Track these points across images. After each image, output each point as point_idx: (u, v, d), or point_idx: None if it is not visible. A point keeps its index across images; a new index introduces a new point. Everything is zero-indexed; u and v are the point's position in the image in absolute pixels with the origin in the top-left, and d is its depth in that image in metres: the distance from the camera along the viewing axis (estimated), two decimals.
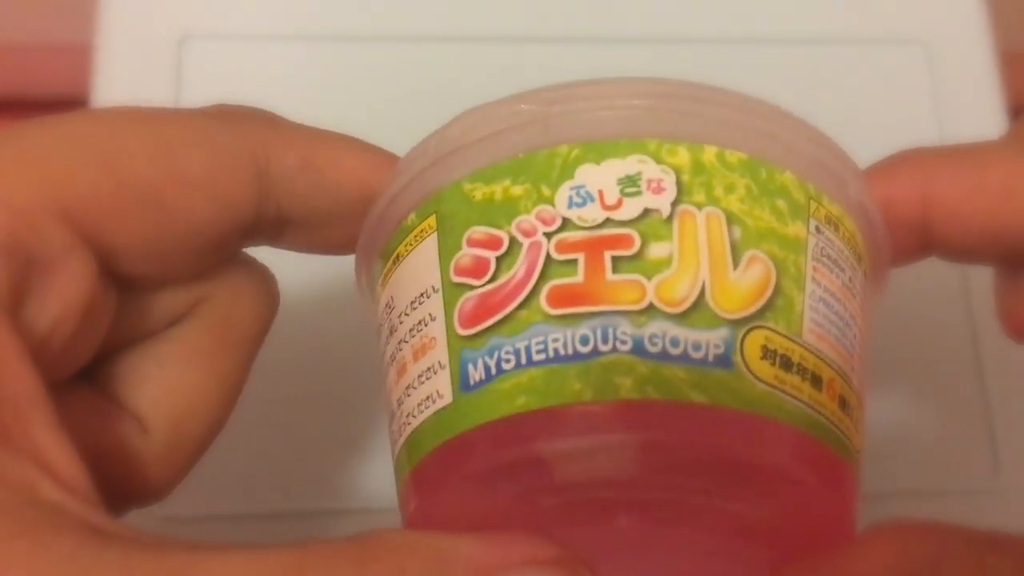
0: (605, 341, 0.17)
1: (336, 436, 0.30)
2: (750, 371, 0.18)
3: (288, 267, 0.23)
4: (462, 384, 0.18)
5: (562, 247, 0.18)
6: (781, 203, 0.19)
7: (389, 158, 0.22)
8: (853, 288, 0.20)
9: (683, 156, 0.19)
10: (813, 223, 0.19)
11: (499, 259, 0.19)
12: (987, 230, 0.20)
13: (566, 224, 0.18)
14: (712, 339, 0.18)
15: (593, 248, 0.18)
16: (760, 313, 0.18)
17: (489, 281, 0.19)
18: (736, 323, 0.18)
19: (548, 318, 0.18)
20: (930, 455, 0.32)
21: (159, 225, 0.19)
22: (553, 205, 0.19)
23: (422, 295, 0.20)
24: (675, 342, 0.17)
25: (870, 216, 0.21)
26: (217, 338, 0.21)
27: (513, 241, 0.19)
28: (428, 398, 0.19)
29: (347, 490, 0.30)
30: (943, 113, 0.36)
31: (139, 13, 0.35)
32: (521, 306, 0.18)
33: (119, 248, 0.19)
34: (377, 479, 0.30)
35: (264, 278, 0.22)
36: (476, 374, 0.18)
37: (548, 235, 0.18)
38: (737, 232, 0.18)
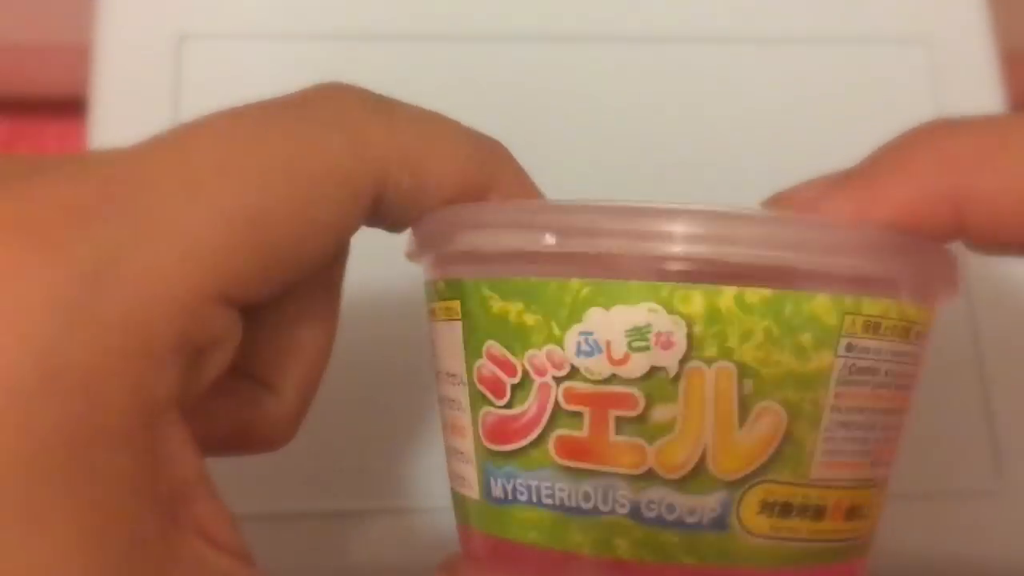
0: (605, 502, 0.19)
1: (358, 435, 0.32)
2: (744, 529, 0.19)
3: None
4: (485, 492, 0.21)
5: (569, 397, 0.19)
6: (806, 337, 0.19)
7: (493, 180, 0.22)
8: (892, 374, 0.20)
9: (697, 304, 0.19)
10: (844, 342, 0.19)
11: (514, 387, 0.20)
12: None
13: (574, 372, 0.19)
14: (708, 503, 0.19)
15: (598, 404, 0.19)
16: (763, 468, 0.19)
17: (506, 406, 0.20)
18: (735, 484, 0.19)
19: (556, 466, 0.20)
20: (931, 456, 0.33)
21: (289, 272, 0.20)
22: (563, 348, 0.19)
23: (454, 377, 0.21)
24: (671, 509, 0.19)
25: (928, 269, 0.20)
26: (322, 291, 0.23)
27: (526, 374, 0.20)
28: (463, 479, 0.22)
29: (369, 489, 0.32)
30: (944, 113, 0.34)
31: (138, 13, 0.35)
32: (533, 445, 0.20)
33: (256, 299, 0.20)
34: (403, 478, 0.32)
35: None
36: (497, 490, 0.21)
37: (557, 380, 0.20)
38: (749, 386, 0.19)
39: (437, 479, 0.32)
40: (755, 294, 0.19)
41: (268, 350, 0.22)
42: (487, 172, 0.22)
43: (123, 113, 0.34)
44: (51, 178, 0.18)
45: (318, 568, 0.31)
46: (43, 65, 0.50)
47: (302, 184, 0.19)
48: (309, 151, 0.20)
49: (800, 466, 0.19)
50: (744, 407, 0.19)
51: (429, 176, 0.21)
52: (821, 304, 0.19)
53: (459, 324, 0.21)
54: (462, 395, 0.21)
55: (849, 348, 0.19)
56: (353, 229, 0.21)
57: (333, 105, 0.21)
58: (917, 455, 0.32)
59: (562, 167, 0.32)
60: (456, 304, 0.21)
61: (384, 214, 0.22)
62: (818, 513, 0.20)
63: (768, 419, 0.19)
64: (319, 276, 0.23)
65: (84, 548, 0.17)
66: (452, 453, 0.22)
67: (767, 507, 0.19)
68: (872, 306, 0.19)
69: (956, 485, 0.33)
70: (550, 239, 0.19)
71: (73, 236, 0.17)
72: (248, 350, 0.22)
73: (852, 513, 0.20)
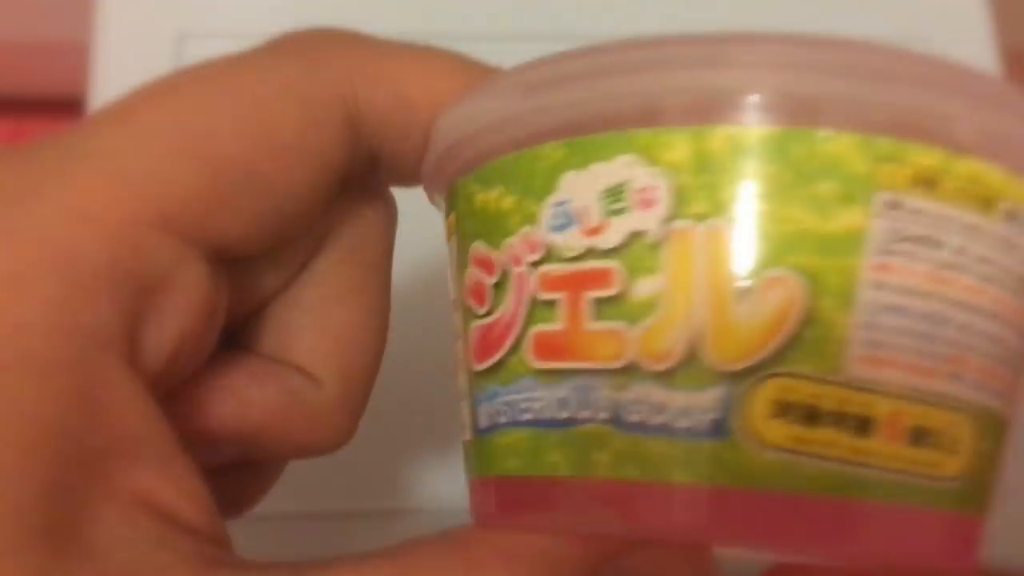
0: (584, 407, 0.16)
1: (358, 435, 0.30)
2: (753, 437, 0.15)
3: None
4: (475, 425, 0.18)
5: (546, 283, 0.16)
6: (827, 187, 0.15)
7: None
8: (973, 258, 0.15)
9: (682, 149, 0.15)
10: (884, 198, 0.15)
11: (494, 288, 0.17)
12: None
13: (550, 253, 0.16)
14: (704, 402, 0.15)
15: (573, 286, 0.16)
16: (777, 356, 0.15)
17: (488, 313, 0.17)
18: (738, 376, 0.15)
19: (533, 372, 0.16)
20: None
21: (257, 202, 0.18)
22: (538, 226, 0.16)
23: (453, 303, 0.19)
24: (658, 409, 0.15)
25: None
26: (352, 267, 0.21)
27: (505, 268, 0.17)
28: (463, 424, 0.19)
29: (369, 489, 0.31)
30: None
31: (137, 12, 0.35)
32: (511, 352, 0.17)
33: (223, 237, 0.18)
34: (403, 479, 0.31)
35: (374, 192, 0.22)
36: (483, 419, 0.18)
37: (534, 265, 0.17)
38: (751, 248, 0.15)
39: (438, 480, 0.30)
40: (754, 132, 0.15)
41: (303, 333, 0.21)
42: None
43: None
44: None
45: None
46: (43, 65, 0.49)
47: (249, 104, 0.18)
48: (258, 74, 0.19)
49: (830, 357, 0.15)
50: (746, 276, 0.15)
51: (412, 89, 0.19)
52: (844, 145, 0.15)
53: (455, 240, 0.19)
54: (458, 319, 0.19)
55: (893, 206, 0.15)
56: (327, 156, 0.19)
57: (296, 38, 0.20)
58: None
59: None
60: (453, 216, 0.19)
61: (375, 140, 0.20)
62: (862, 425, 0.15)
63: (779, 291, 0.15)
64: (353, 251, 0.21)
65: None
66: (459, 399, 0.19)
67: (785, 409, 0.15)
68: (924, 155, 0.15)
69: None
70: (513, 100, 0.17)
71: (3, 166, 0.17)
72: (282, 332, 0.21)
73: (921, 437, 0.15)
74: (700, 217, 0.15)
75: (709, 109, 0.15)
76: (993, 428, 0.16)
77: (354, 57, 0.19)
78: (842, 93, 0.15)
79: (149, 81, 0.19)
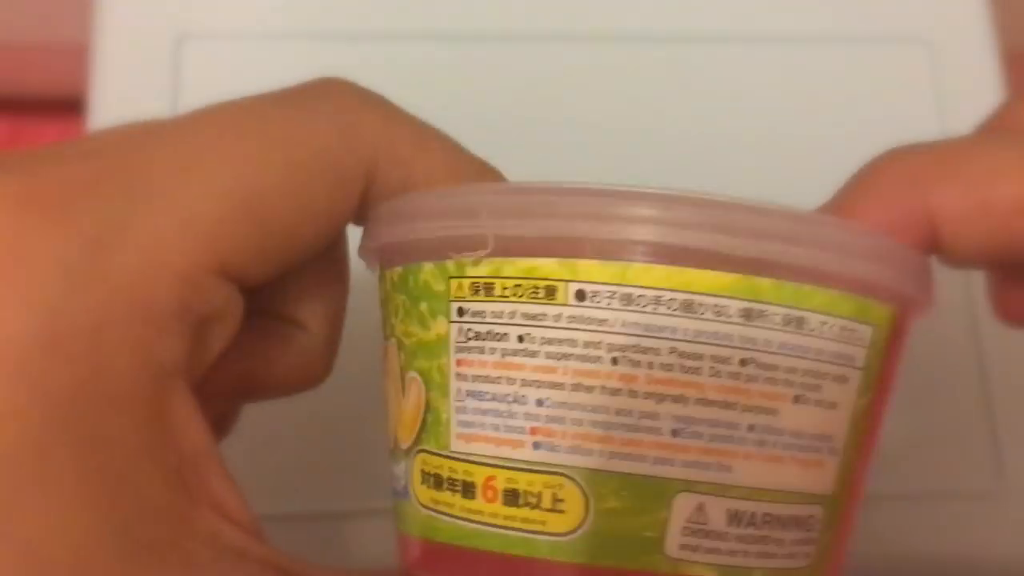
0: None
1: (357, 435, 0.31)
2: (416, 498, 0.20)
3: None
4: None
5: None
6: (424, 306, 0.20)
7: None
8: (530, 343, 0.19)
9: (382, 286, 0.22)
10: (455, 307, 0.19)
11: None
12: (997, 246, 0.20)
13: None
14: (400, 473, 0.21)
15: None
16: (419, 437, 0.20)
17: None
18: (407, 453, 0.20)
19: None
20: (933, 457, 0.33)
21: (287, 252, 0.21)
22: None
23: None
24: (395, 479, 0.21)
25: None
26: (335, 248, 0.23)
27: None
28: None
29: (369, 489, 0.30)
30: (945, 113, 0.37)
31: (137, 12, 0.36)
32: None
33: (257, 277, 0.20)
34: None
35: None
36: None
37: None
38: (403, 357, 0.21)
39: None
40: (393, 273, 0.21)
41: (302, 295, 0.23)
42: None
43: (122, 113, 0.30)
44: (53, 160, 0.19)
45: None
46: (43, 65, 0.50)
47: (295, 169, 0.20)
48: (304, 139, 0.20)
49: (441, 436, 0.20)
50: (403, 378, 0.20)
51: (419, 176, 0.22)
52: (427, 271, 0.20)
53: None
54: None
55: (461, 312, 0.19)
56: (344, 218, 0.21)
57: (329, 98, 0.22)
58: (920, 457, 0.33)
59: (558, 166, 0.32)
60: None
61: (371, 202, 0.22)
62: (466, 489, 0.19)
63: (414, 388, 0.20)
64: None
65: (92, 512, 0.17)
66: None
67: (426, 477, 0.20)
68: (480, 266, 0.19)
69: (956, 485, 0.34)
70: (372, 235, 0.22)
71: (77, 207, 0.18)
72: (280, 295, 0.23)
73: (515, 498, 0.19)
74: (387, 338, 0.21)
75: (392, 255, 0.21)
76: (624, 486, 0.18)
77: (380, 134, 0.21)
78: (423, 229, 0.20)
79: (206, 112, 0.21)
